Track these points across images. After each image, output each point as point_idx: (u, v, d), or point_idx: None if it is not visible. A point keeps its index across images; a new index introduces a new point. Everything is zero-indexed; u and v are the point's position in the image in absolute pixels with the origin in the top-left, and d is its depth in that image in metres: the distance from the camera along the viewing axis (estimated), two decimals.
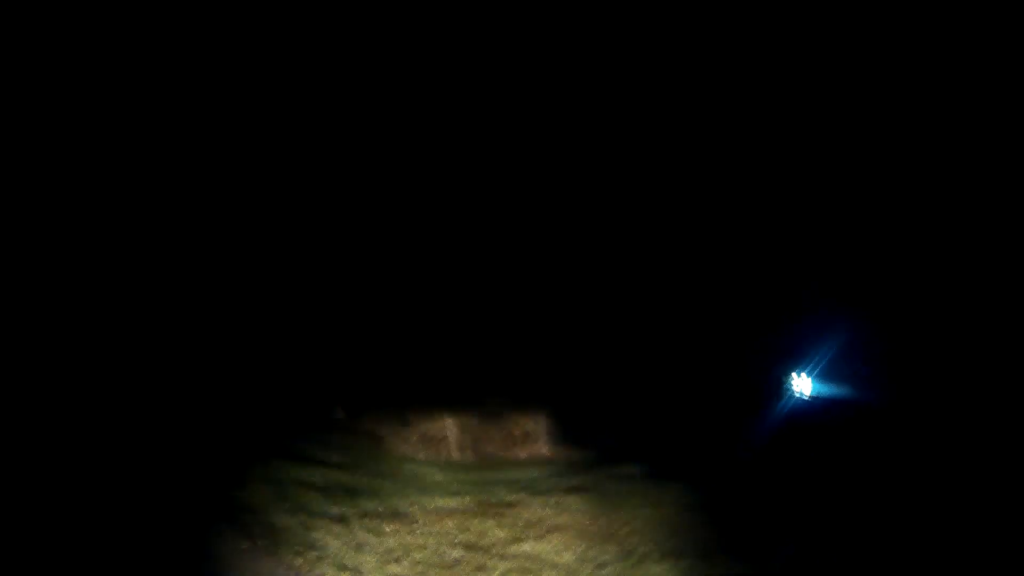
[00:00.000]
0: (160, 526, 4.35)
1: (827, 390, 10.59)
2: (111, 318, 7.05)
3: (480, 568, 4.46)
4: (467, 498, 5.50)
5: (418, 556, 4.52)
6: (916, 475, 6.27)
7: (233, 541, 4.43)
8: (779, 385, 10.08)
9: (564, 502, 5.53)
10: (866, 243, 9.55)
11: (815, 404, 10.14)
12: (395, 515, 5.03)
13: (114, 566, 3.89)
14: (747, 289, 9.49)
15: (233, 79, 8.20)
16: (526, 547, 4.78)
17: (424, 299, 8.62)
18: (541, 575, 4.44)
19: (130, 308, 7.28)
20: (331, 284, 8.51)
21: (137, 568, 3.92)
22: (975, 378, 8.43)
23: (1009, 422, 6.97)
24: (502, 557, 4.62)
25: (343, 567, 4.29)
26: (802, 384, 10.49)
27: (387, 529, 4.80)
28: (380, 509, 5.11)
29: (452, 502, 5.40)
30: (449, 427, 6.68)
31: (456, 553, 4.61)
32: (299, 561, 4.29)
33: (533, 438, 6.96)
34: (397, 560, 4.44)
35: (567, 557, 4.70)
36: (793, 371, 10.36)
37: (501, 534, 4.94)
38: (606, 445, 7.20)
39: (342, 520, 4.87)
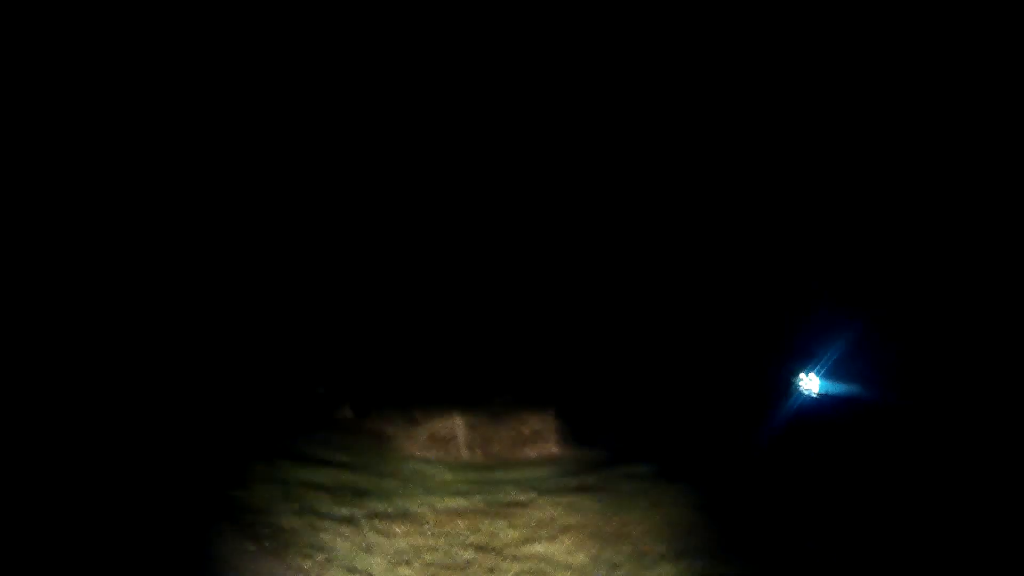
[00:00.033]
0: (163, 528, 4.26)
1: (836, 389, 10.56)
2: (116, 317, 6.98)
3: (492, 570, 4.37)
4: (477, 498, 5.40)
5: (429, 558, 4.42)
6: (926, 474, 6.23)
7: (238, 543, 4.32)
8: (787, 383, 10.03)
9: (575, 502, 5.43)
10: (875, 241, 9.51)
11: (824, 403, 10.11)
12: (405, 516, 4.93)
13: (117, 568, 3.80)
14: (755, 288, 9.45)
15: (247, 82, 8.14)
16: (538, 548, 4.68)
17: (432, 298, 8.56)
18: None
19: (136, 307, 7.22)
20: (339, 283, 8.45)
21: (140, 571, 3.83)
22: (985, 377, 8.42)
23: (1017, 421, 6.93)
24: (514, 558, 4.52)
25: (352, 570, 4.19)
26: (810, 383, 10.46)
27: (397, 530, 4.70)
28: (389, 510, 5.01)
29: (462, 502, 5.30)
30: (458, 426, 6.58)
31: (467, 555, 4.51)
32: (307, 564, 4.18)
33: (542, 437, 6.86)
34: (407, 562, 4.34)
35: (580, 558, 4.60)
36: (801, 370, 10.32)
37: (513, 535, 4.84)
38: (615, 444, 7.12)
39: (350, 521, 4.77)
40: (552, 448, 6.86)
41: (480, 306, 8.60)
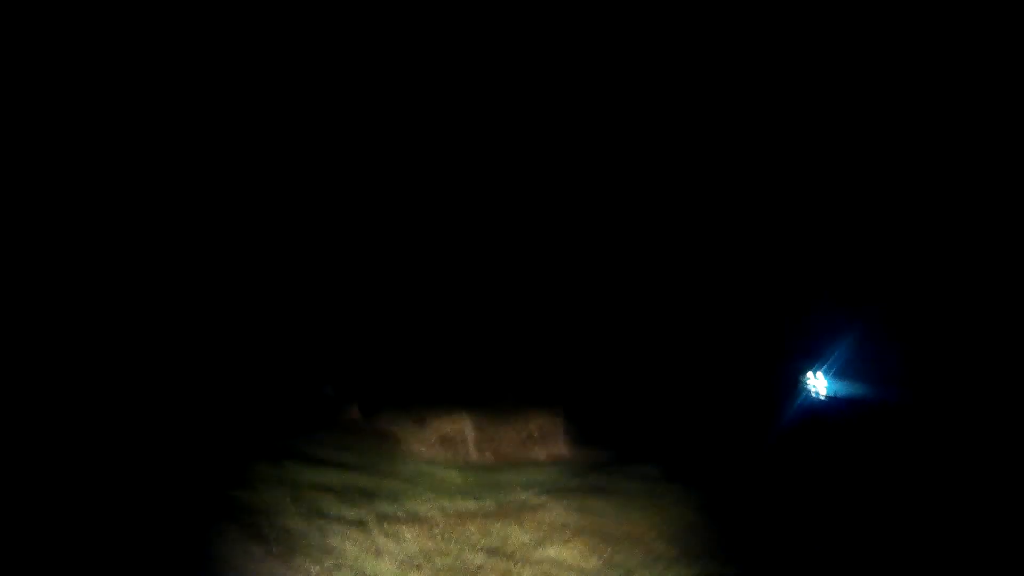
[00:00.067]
0: (168, 530, 4.18)
1: (843, 389, 10.52)
2: (124, 317, 6.92)
3: (505, 574, 4.28)
4: (488, 501, 5.31)
5: (440, 562, 4.33)
6: (935, 475, 6.22)
7: (244, 546, 4.22)
8: (795, 383, 10.00)
9: (587, 504, 5.34)
10: (883, 243, 9.48)
11: (831, 403, 10.07)
12: (414, 518, 4.84)
13: (122, 571, 3.74)
14: (764, 289, 9.41)
15: (261, 83, 8.07)
16: (551, 552, 4.59)
17: (440, 299, 8.49)
18: None
19: (145, 307, 7.16)
20: (347, 283, 8.37)
21: (145, 573, 3.76)
22: (991, 378, 8.40)
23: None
24: (527, 563, 4.43)
25: (362, 574, 4.10)
26: (818, 383, 10.41)
27: (407, 534, 4.61)
28: (399, 512, 4.91)
29: (472, 505, 5.20)
30: (467, 427, 6.49)
31: (479, 559, 4.42)
32: (315, 568, 4.09)
33: (551, 437, 6.78)
34: (418, 567, 4.25)
35: (593, 562, 4.52)
36: (809, 370, 10.27)
37: (524, 538, 4.75)
38: (624, 444, 7.07)
39: (359, 524, 4.67)
40: (561, 448, 6.78)
41: (488, 306, 8.52)
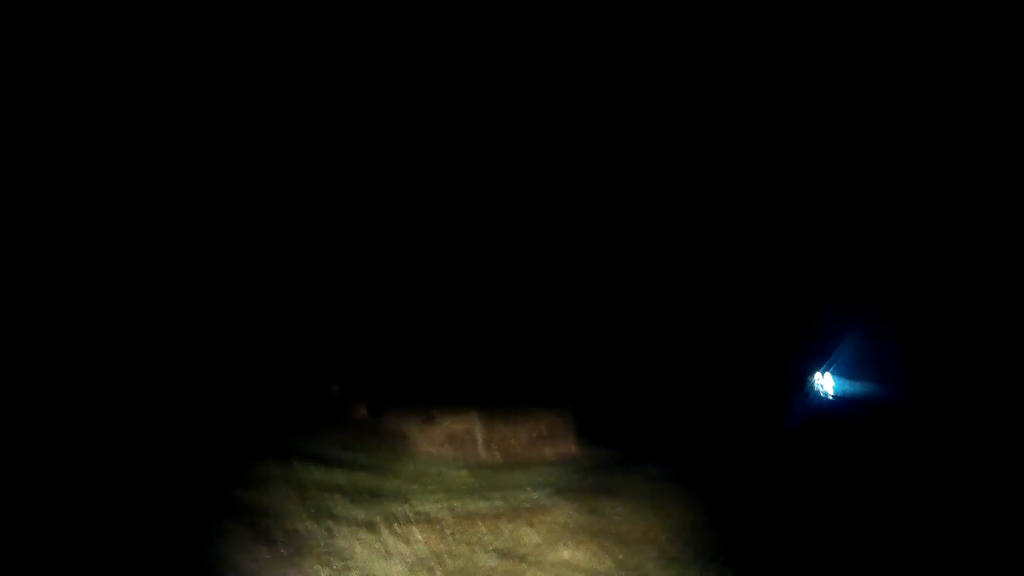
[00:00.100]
0: (173, 531, 4.09)
1: (851, 389, 10.51)
2: (129, 315, 6.86)
3: None
4: (497, 500, 5.21)
5: (451, 565, 4.24)
6: (945, 475, 6.18)
7: (251, 548, 4.14)
8: (803, 383, 9.97)
9: (598, 505, 5.25)
10: (891, 244, 9.44)
11: (840, 403, 10.08)
12: (424, 519, 4.75)
13: (127, 573, 3.66)
14: (772, 289, 9.36)
15: (260, 82, 7.98)
16: (564, 554, 4.50)
17: (448, 296, 8.41)
18: None
19: (150, 305, 7.09)
20: (355, 282, 8.29)
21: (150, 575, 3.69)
22: (998, 378, 8.39)
23: None
24: (539, 565, 4.34)
25: None
26: (826, 383, 10.40)
27: (417, 535, 4.52)
28: (408, 513, 4.82)
29: (482, 504, 5.11)
30: (476, 426, 6.41)
31: (491, 561, 4.33)
32: (324, 570, 4.01)
33: (560, 436, 6.69)
34: (430, 569, 4.15)
35: (607, 564, 4.44)
36: (817, 370, 10.25)
37: (536, 539, 4.66)
38: (634, 443, 7.00)
39: (369, 525, 4.58)
40: (570, 447, 6.70)
41: (496, 304, 8.44)
